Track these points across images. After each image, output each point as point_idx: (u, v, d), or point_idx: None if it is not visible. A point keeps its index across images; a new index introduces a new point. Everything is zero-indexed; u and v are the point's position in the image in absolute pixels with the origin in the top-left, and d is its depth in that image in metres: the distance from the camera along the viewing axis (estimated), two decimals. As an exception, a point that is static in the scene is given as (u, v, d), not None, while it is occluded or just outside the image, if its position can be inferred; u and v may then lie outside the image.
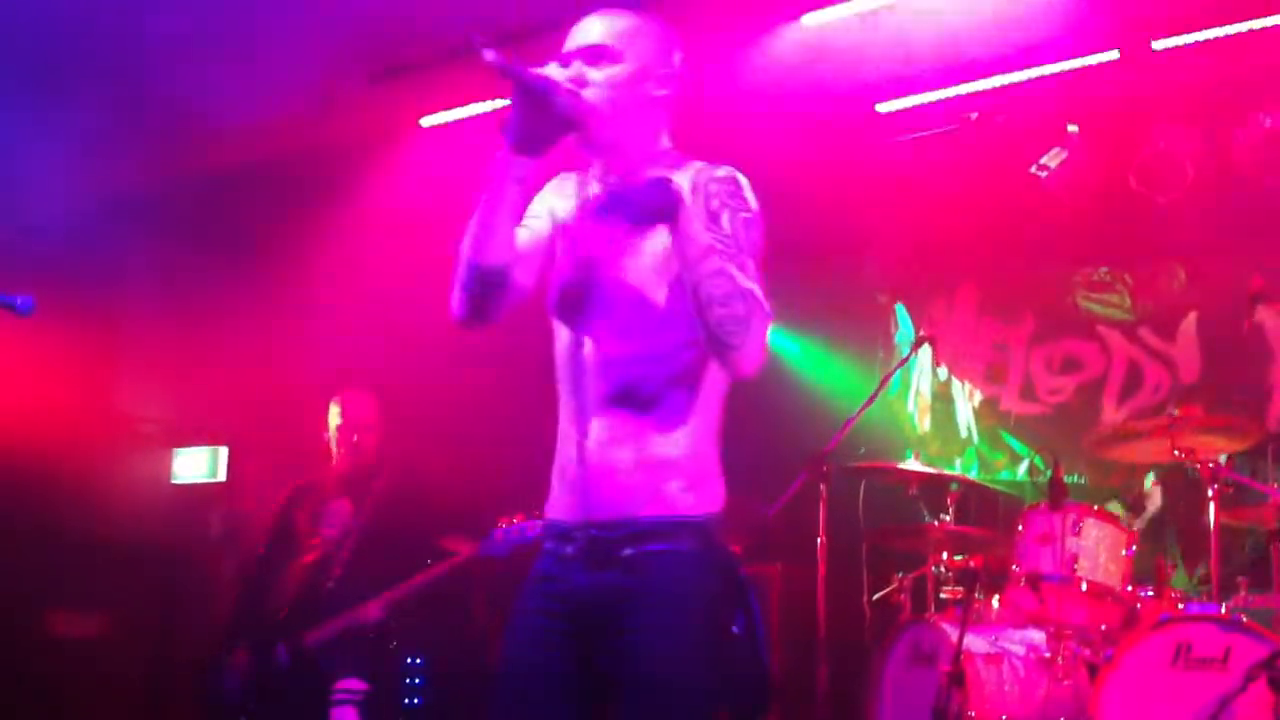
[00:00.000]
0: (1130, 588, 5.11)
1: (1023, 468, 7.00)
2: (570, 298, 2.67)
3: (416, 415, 5.93)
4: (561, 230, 2.75)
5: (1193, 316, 6.63)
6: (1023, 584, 5.12)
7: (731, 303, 2.43)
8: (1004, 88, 6.47)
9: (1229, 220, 6.33)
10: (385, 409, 5.49)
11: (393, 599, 4.96)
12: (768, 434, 6.12)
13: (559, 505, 2.68)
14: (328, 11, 6.16)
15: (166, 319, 7.73)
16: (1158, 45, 6.08)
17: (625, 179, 2.67)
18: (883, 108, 6.73)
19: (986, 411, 7.20)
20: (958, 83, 6.53)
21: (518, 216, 2.63)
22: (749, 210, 2.61)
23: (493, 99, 6.65)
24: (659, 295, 2.59)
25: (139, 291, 7.74)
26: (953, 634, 5.01)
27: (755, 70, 6.22)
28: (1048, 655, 5.07)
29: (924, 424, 7.25)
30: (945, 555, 5.63)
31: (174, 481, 7.83)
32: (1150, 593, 5.12)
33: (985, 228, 6.85)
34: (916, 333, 7.27)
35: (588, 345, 2.62)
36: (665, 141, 2.76)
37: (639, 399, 2.59)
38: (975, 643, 5.02)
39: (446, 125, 6.95)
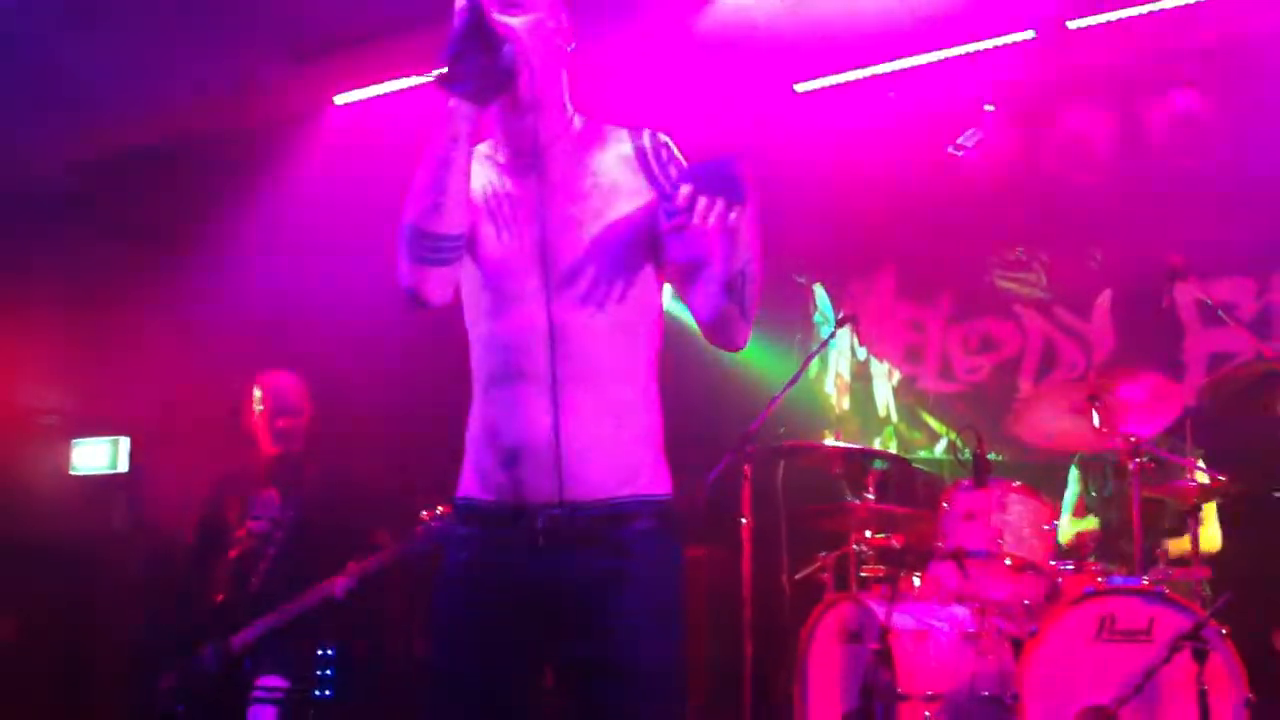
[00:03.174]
0: (1054, 562, 5.16)
1: (941, 446, 7.05)
2: (523, 267, 2.52)
3: (338, 400, 5.78)
4: (495, 199, 2.58)
5: (1107, 294, 6.71)
6: (948, 560, 5.14)
7: (757, 279, 2.46)
8: (921, 68, 6.50)
9: (1143, 199, 6.41)
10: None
11: (360, 570, 4.80)
12: (689, 416, 6.06)
13: (501, 486, 2.52)
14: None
15: (68, 307, 7.49)
16: (1072, 25, 6.14)
17: (579, 142, 2.60)
18: (801, 88, 6.72)
19: (905, 391, 7.24)
20: (875, 63, 6.55)
21: (469, 178, 2.45)
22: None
23: (408, 76, 6.54)
24: (631, 263, 2.52)
25: (39, 279, 7.49)
26: (879, 612, 5.01)
27: (675, 49, 6.18)
28: (973, 631, 5.09)
29: (843, 404, 7.27)
30: (867, 534, 5.63)
31: (73, 473, 7.59)
32: (1073, 567, 5.16)
33: (903, 208, 6.87)
34: (836, 313, 7.28)
35: (549, 317, 2.48)
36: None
37: (614, 372, 2.51)
38: (901, 620, 5.02)
39: (361, 103, 6.82)
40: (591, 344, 2.49)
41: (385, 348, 6.58)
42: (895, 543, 5.64)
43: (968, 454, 5.23)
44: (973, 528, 5.15)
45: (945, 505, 5.28)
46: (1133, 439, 5.14)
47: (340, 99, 6.86)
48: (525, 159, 2.57)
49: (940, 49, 6.39)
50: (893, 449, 7.01)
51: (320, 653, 5.99)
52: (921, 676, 4.96)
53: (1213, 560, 5.44)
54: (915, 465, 6.66)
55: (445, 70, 2.34)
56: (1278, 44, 5.92)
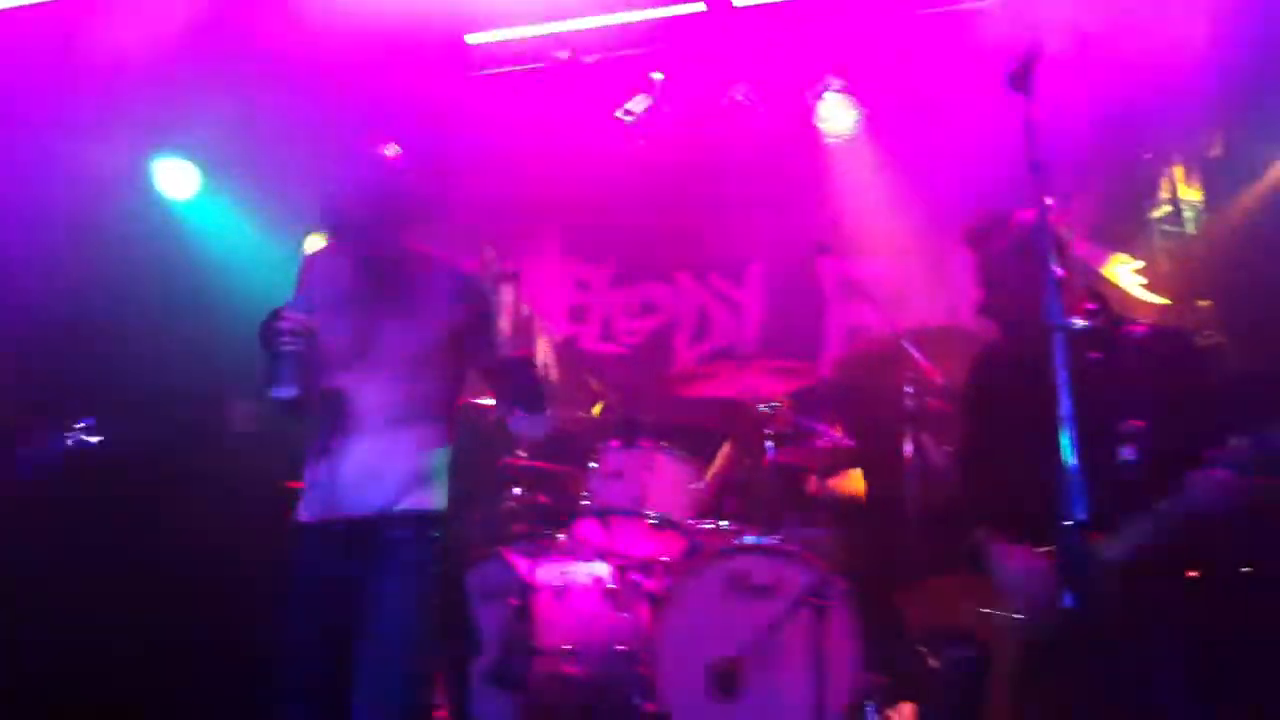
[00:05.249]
0: (694, 521, 5.29)
1: (599, 406, 7.11)
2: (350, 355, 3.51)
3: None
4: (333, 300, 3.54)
5: (760, 265, 6.94)
6: (592, 518, 5.19)
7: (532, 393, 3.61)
8: (594, 30, 6.51)
9: (797, 176, 6.65)
10: None
11: None
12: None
13: None
14: None
15: None
16: (738, 2, 6.29)
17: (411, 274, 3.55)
18: (472, 39, 6.61)
19: (566, 351, 7.27)
20: (548, 20, 6.51)
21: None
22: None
23: None
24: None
25: None
26: (521, 567, 5.02)
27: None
28: (613, 587, 5.17)
29: (502, 362, 7.20)
30: (517, 490, 5.63)
31: None
32: (711, 526, 5.31)
33: (571, 168, 6.87)
34: (498, 269, 7.18)
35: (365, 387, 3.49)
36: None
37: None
38: (543, 576, 5.05)
39: None
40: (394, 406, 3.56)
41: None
42: (543, 500, 5.66)
43: (621, 415, 5.31)
44: (619, 486, 5.23)
45: (594, 464, 5.34)
46: (772, 405, 5.34)
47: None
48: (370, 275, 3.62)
49: (614, 11, 6.42)
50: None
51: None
52: (559, 631, 5.00)
53: (843, 521, 5.72)
54: (570, 424, 6.69)
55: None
56: (919, 36, 6.22)
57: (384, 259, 3.57)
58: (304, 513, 3.54)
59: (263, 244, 6.78)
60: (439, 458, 3.57)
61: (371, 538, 3.40)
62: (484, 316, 3.52)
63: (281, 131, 6.49)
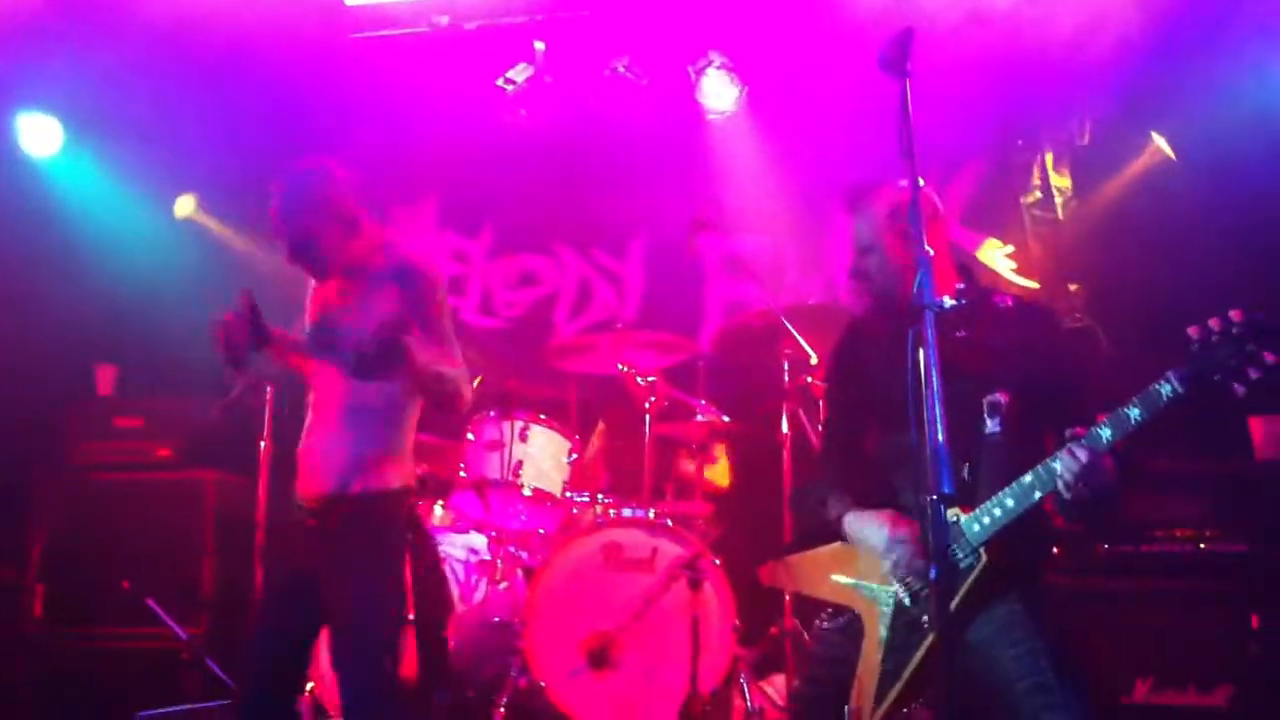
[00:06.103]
0: (570, 494, 5.29)
1: (477, 380, 7.06)
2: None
3: None
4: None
5: (642, 239, 6.94)
6: (469, 490, 5.17)
7: (450, 392, 3.71)
8: (476, -3, 6.43)
9: (678, 151, 6.66)
10: None
11: None
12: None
13: None
14: None
15: None
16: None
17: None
18: (351, 1, 6.48)
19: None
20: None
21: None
22: (443, 301, 3.72)
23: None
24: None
25: None
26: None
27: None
28: (488, 559, 5.15)
29: (379, 333, 7.10)
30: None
31: None
32: (587, 498, 5.32)
33: (450, 137, 6.78)
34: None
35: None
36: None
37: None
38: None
39: None
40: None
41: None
42: (419, 471, 5.59)
43: (501, 387, 5.30)
44: (494, 458, 5.21)
45: (470, 435, 5.31)
46: (650, 379, 5.36)
47: None
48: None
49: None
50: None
51: None
52: (435, 603, 4.97)
53: (719, 496, 5.77)
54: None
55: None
56: (801, 14, 6.26)
57: (331, 262, 3.76)
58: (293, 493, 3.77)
59: (130, 204, 6.60)
60: (396, 440, 3.73)
61: (334, 518, 3.60)
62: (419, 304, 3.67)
63: (151, 88, 6.31)
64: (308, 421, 3.79)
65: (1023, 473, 2.87)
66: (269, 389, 5.33)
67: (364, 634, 3.50)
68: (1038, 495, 2.84)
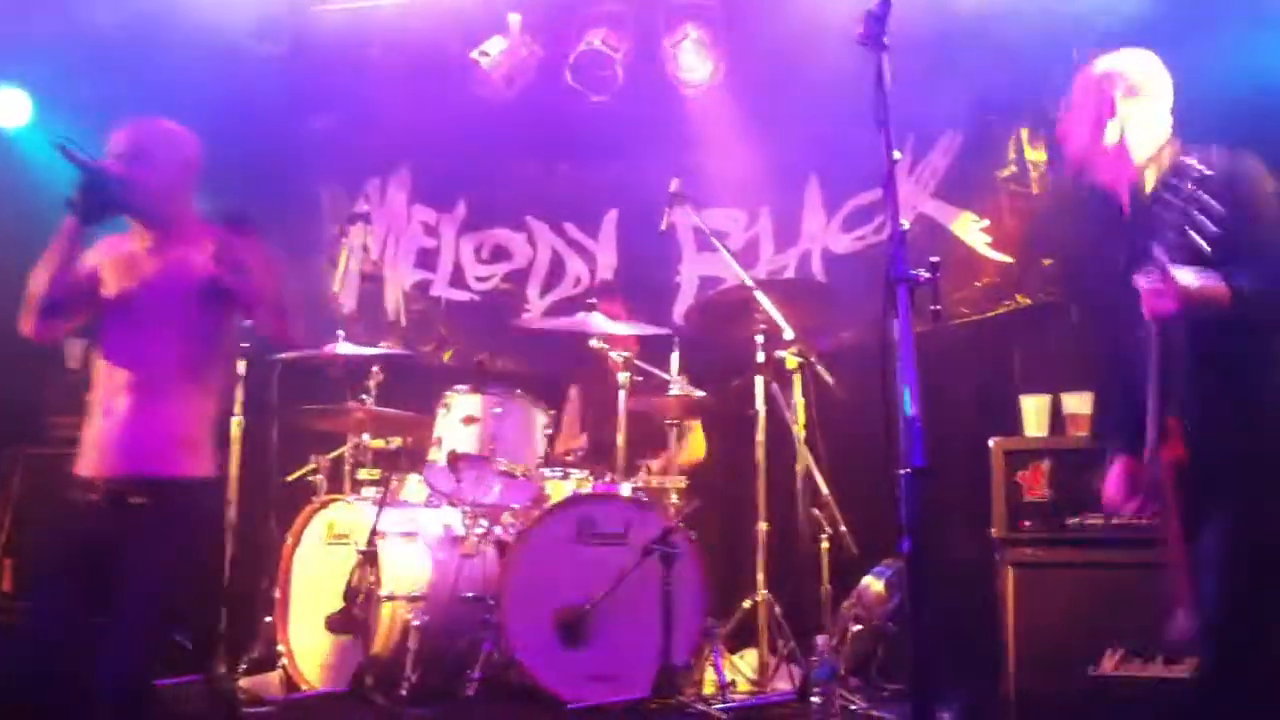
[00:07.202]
0: (543, 469, 5.28)
1: (449, 352, 7.05)
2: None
3: None
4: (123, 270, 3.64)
5: (614, 213, 6.92)
6: (442, 464, 5.15)
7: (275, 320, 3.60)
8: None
9: (654, 124, 6.63)
10: None
11: None
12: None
13: None
14: None
15: None
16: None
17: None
18: (321, -27, 6.43)
19: (416, 296, 7.17)
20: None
21: (74, 264, 3.62)
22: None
23: None
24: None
25: None
26: (369, 513, 4.96)
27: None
28: (461, 534, 5.15)
29: (350, 305, 7.07)
30: (366, 436, 5.55)
31: None
32: (561, 473, 5.31)
33: (423, 110, 6.73)
34: (350, 213, 7.01)
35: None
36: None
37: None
38: (390, 522, 4.99)
39: None
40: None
41: None
42: (393, 445, 5.59)
43: (474, 361, 5.28)
44: (468, 432, 5.19)
45: (444, 409, 5.29)
46: (624, 355, 5.36)
47: None
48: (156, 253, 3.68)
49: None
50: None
51: None
52: (406, 578, 4.97)
53: (692, 470, 5.77)
54: (421, 369, 6.61)
55: (71, 202, 3.58)
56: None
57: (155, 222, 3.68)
58: (80, 467, 3.58)
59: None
60: (202, 423, 3.59)
61: (130, 501, 3.45)
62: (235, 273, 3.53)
63: (120, 60, 6.24)
64: (106, 389, 3.59)
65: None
66: (242, 366, 5.30)
67: (132, 631, 3.36)
68: None
